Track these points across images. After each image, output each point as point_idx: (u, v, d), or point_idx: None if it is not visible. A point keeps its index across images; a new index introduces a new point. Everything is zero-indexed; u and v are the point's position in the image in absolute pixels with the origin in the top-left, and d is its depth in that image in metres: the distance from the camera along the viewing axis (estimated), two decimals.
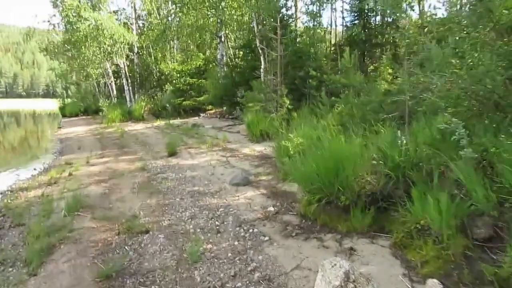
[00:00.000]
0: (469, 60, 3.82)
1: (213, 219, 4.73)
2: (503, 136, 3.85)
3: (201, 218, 4.81)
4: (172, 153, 9.22)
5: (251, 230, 4.28)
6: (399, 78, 14.34)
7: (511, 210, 3.06)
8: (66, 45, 23.82)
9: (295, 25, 17.05)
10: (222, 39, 17.03)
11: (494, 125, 3.87)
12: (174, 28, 17.79)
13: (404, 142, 4.27)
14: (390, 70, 16.26)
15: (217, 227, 4.46)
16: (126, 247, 4.11)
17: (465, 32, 3.82)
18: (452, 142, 3.83)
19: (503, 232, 3.03)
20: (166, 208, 5.32)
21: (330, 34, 20.41)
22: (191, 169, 7.54)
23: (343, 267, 2.72)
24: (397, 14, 18.71)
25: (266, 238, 4.04)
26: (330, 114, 5.68)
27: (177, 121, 16.49)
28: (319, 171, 3.92)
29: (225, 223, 4.58)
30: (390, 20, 18.45)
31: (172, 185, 6.47)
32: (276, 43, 11.03)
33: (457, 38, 3.77)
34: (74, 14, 18.82)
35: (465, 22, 3.98)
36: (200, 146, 10.01)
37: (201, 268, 3.51)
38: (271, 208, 4.90)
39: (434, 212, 3.17)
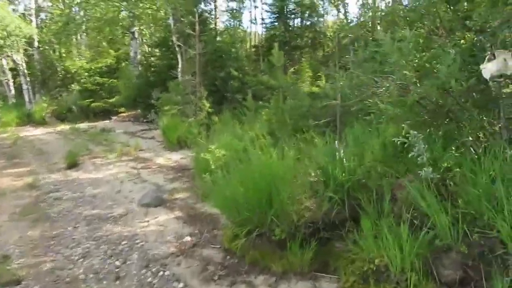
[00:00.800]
0: (415, 60, 3.28)
1: (112, 257, 3.67)
2: (452, 149, 3.39)
3: (97, 256, 3.73)
4: (73, 165, 7.81)
5: (161, 273, 3.31)
6: (319, 82, 14.23)
7: (481, 244, 2.52)
8: None
9: (215, 24, 16.21)
10: (136, 35, 15.55)
11: (443, 136, 3.38)
12: (80, 21, 15.88)
13: (343, 154, 3.64)
14: (310, 73, 16.20)
15: (117, 270, 3.43)
16: None
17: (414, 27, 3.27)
18: (404, 157, 3.27)
19: (473, 272, 2.47)
20: (53, 242, 4.14)
21: (250, 35, 19.99)
22: (93, 185, 6.30)
23: None
24: (316, 18, 18.78)
25: (181, 284, 3.11)
26: (258, 121, 4.92)
27: (84, 125, 14.68)
28: (247, 196, 3.09)
29: (128, 262, 3.56)
30: (308, 23, 18.53)
31: (65, 208, 5.22)
32: (194, 40, 10.06)
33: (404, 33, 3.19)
34: None
35: (412, 16, 3.45)
36: (107, 155, 8.68)
37: None
38: (188, 238, 3.97)
39: (393, 249, 2.51)
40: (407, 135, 2.68)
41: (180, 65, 11.56)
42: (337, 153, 3.65)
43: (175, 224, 4.40)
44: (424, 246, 2.51)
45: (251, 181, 3.14)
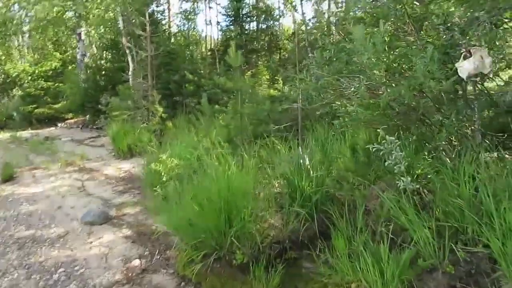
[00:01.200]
0: (384, 59, 3.00)
1: None
2: (425, 154, 3.16)
3: None
4: (8, 178, 6.98)
5: None
6: (276, 85, 14.04)
7: (467, 261, 2.25)
8: None
9: (169, 25, 15.64)
10: (82, 36, 14.62)
11: (416, 141, 3.14)
12: (18, 21, 14.65)
13: (308, 162, 3.31)
14: (267, 76, 16.03)
15: None
16: None
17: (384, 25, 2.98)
18: (373, 162, 2.98)
19: None
20: None
21: (206, 38, 19.58)
22: (30, 201, 5.59)
23: None
24: (271, 21, 18.71)
25: None
26: (214, 127, 4.50)
27: (26, 133, 13.58)
28: (202, 215, 2.66)
29: None
30: (264, 27, 18.41)
31: None
32: (145, 42, 9.49)
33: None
34: None
35: (379, 12, 3.18)
36: (49, 166, 7.88)
37: None
38: (137, 262, 3.47)
39: (372, 273, 2.19)
40: (383, 141, 2.37)
41: (131, 68, 10.89)
42: (301, 161, 3.31)
43: (122, 245, 3.88)
44: (406, 267, 2.21)
45: (207, 197, 2.71)
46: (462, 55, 2.66)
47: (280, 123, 5.27)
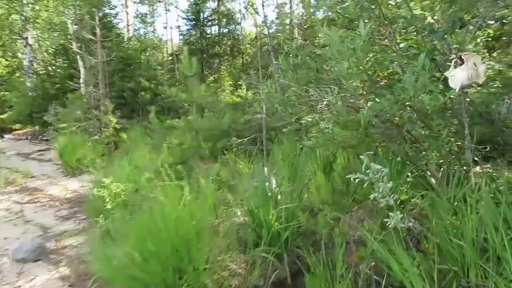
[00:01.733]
0: (362, 67, 2.57)
1: None
2: (408, 175, 2.76)
3: None
4: None
5: None
6: (239, 91, 13.58)
7: None
8: None
9: (127, 30, 14.87)
10: (29, 41, 13.54)
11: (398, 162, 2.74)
12: None
13: (275, 187, 2.83)
14: (230, 82, 15.57)
15: None
16: None
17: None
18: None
19: None
20: None
21: (167, 42, 18.92)
22: None
23: None
24: (233, 25, 18.34)
25: None
26: (168, 145, 3.92)
27: None
28: (146, 268, 2.10)
29: None
30: (226, 31, 17.97)
31: None
32: (96, 47, 8.76)
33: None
34: None
35: (353, 13, 2.74)
36: None
37: None
38: None
39: None
40: (368, 171, 1.92)
41: (82, 75, 10.08)
42: (267, 184, 2.82)
43: None
44: None
45: (152, 244, 2.15)
46: (453, 62, 2.27)
47: (243, 135, 4.79)
